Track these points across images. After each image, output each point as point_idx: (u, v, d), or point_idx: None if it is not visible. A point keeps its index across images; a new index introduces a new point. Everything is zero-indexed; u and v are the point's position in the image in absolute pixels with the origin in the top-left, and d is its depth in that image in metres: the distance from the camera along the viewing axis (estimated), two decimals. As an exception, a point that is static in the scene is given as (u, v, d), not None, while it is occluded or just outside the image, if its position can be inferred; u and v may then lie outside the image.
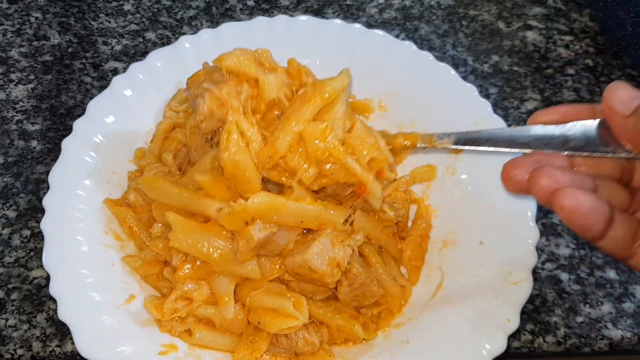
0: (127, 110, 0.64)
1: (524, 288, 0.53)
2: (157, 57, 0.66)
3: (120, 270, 0.56)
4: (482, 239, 0.58)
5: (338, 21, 0.70)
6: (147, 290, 0.57)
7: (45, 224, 0.54)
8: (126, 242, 0.59)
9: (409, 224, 0.63)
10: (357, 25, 0.69)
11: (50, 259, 0.53)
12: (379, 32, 0.69)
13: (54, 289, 0.51)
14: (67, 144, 0.59)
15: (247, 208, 0.49)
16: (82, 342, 0.49)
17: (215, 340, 0.54)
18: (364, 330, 0.55)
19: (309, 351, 0.54)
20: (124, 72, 0.66)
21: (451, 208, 0.62)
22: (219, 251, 0.52)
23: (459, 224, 0.60)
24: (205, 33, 0.69)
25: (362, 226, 0.57)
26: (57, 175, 0.57)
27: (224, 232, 0.52)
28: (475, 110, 0.63)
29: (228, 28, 0.69)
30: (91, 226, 0.57)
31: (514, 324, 0.51)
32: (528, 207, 0.57)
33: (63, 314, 0.50)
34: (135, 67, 0.65)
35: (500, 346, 0.50)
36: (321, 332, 0.55)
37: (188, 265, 0.53)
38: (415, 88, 0.66)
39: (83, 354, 0.49)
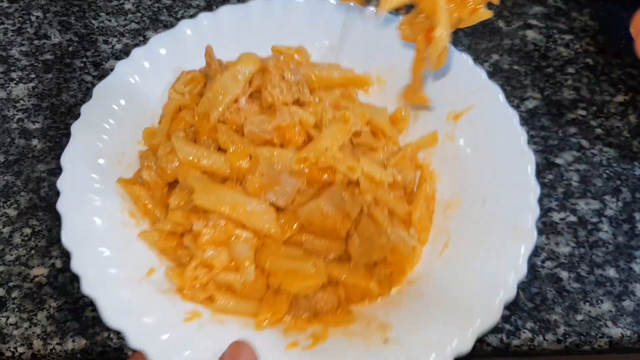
0: (132, 93, 0.65)
1: (529, 239, 0.55)
2: (159, 42, 0.68)
3: (138, 246, 0.57)
4: (485, 198, 0.59)
5: (334, 0, 0.71)
6: (165, 264, 0.58)
7: (61, 205, 0.55)
8: (141, 221, 0.60)
9: (414, 190, 0.66)
10: (353, 3, 0.70)
11: (70, 237, 0.53)
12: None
13: (76, 266, 0.52)
14: (76, 128, 0.60)
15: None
16: (108, 313, 0.50)
17: (237, 306, 0.56)
18: (378, 287, 0.57)
19: (329, 310, 0.56)
20: (124, 70, 0.67)
21: (453, 172, 0.64)
22: (239, 204, 0.55)
23: (462, 186, 0.62)
24: (205, 17, 0.70)
25: (370, 188, 0.59)
26: (69, 158, 0.58)
27: (241, 188, 0.57)
28: (471, 79, 0.66)
29: (227, 11, 0.70)
30: (106, 205, 0.57)
31: (522, 270, 0.53)
32: (527, 163, 0.59)
33: (87, 289, 0.51)
34: (137, 52, 0.66)
35: (512, 292, 0.52)
36: (338, 292, 0.57)
37: (210, 230, 0.55)
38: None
39: (110, 324, 0.50)
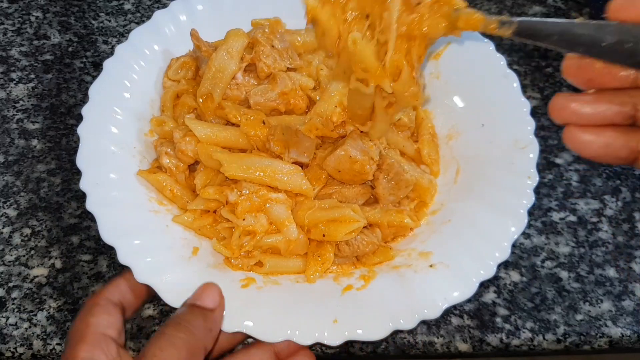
0: (126, 88, 0.65)
1: (534, 147, 0.60)
2: (139, 35, 0.67)
3: (174, 230, 0.58)
4: (482, 122, 0.64)
5: None
6: (204, 242, 0.59)
7: (92, 205, 0.55)
8: (170, 207, 0.60)
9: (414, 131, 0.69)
10: None
11: (109, 233, 0.54)
12: None
13: (124, 259, 0.53)
14: (83, 130, 0.60)
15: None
16: (170, 297, 0.52)
17: (285, 265, 0.58)
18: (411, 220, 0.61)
19: (371, 250, 0.58)
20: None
21: (445, 106, 0.68)
22: (267, 167, 0.57)
23: (457, 116, 0.67)
24: (176, 5, 0.70)
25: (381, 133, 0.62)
26: (84, 160, 0.58)
27: (264, 155, 0.59)
28: None
29: None
30: (134, 198, 0.58)
31: (535, 177, 0.58)
32: (512, 81, 0.64)
33: (142, 277, 0.52)
34: (121, 48, 0.66)
35: (531, 200, 0.57)
36: (375, 232, 0.59)
37: (245, 198, 0.57)
38: None
39: (174, 305, 0.51)
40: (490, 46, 0.67)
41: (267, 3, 0.71)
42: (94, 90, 0.62)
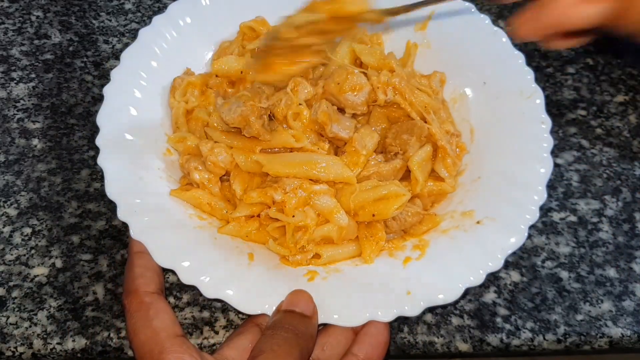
0: (134, 112, 0.63)
1: (539, 94, 0.63)
2: (130, 57, 0.66)
3: (224, 241, 0.58)
4: (484, 80, 0.66)
5: None
6: (255, 247, 0.59)
7: (137, 234, 0.54)
8: (210, 220, 0.60)
9: None
10: None
11: (163, 257, 0.53)
12: None
13: (188, 278, 0.53)
14: (104, 161, 0.58)
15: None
16: (244, 305, 0.52)
17: (341, 252, 0.58)
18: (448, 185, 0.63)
19: (417, 220, 0.59)
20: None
21: (443, 71, 0.69)
22: (308, 161, 0.58)
23: (456, 80, 0.68)
24: (158, 20, 0.68)
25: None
26: (116, 191, 0.56)
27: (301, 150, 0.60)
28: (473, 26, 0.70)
29: (176, 7, 0.69)
30: (176, 219, 0.57)
31: (547, 123, 0.61)
32: (501, 36, 0.67)
33: (212, 293, 0.52)
34: (116, 72, 0.64)
35: (550, 143, 0.60)
36: (416, 203, 0.61)
37: (291, 195, 0.57)
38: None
39: (255, 313, 0.52)
40: (473, 8, 0.69)
41: (247, 8, 0.70)
42: (102, 119, 0.61)
